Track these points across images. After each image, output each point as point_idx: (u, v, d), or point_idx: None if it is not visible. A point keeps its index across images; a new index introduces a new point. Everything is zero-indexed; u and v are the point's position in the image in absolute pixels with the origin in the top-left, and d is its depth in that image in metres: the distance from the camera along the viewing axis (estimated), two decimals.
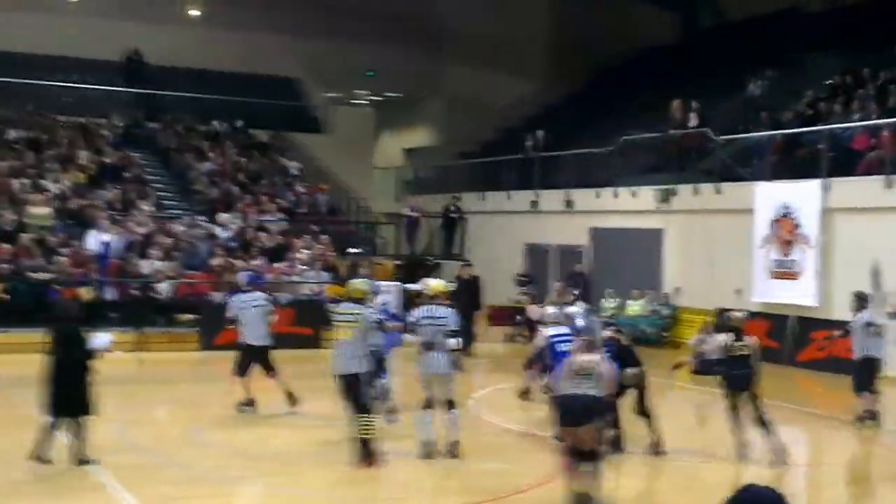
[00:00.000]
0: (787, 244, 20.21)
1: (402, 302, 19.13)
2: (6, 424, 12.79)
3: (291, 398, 13.74)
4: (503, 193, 27.82)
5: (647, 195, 23.36)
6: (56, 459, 10.38)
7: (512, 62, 33.00)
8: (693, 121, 23.35)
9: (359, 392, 10.72)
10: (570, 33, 33.30)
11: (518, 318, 22.01)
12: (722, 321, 12.39)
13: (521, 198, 27.07)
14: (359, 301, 11.11)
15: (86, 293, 19.53)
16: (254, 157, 28.61)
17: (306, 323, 20.16)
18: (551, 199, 26.12)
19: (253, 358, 13.77)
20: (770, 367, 17.63)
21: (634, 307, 22.86)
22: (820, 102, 22.51)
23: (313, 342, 19.66)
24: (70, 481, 10.03)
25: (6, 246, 20.32)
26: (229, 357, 14.30)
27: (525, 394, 15.09)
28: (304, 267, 22.65)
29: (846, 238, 19.29)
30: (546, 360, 12.83)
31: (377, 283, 16.57)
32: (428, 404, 11.20)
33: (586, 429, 9.02)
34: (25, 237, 20.80)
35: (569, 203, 25.54)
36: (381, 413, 12.42)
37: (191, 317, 20.33)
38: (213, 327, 18.05)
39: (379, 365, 12.28)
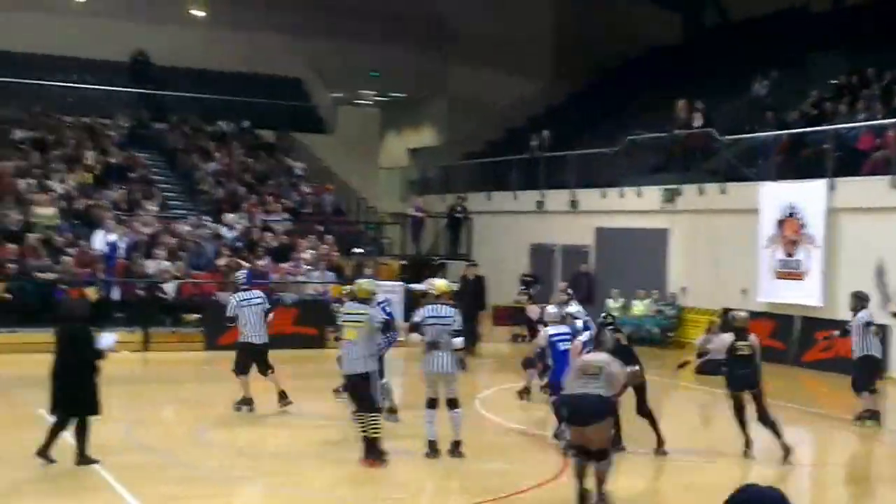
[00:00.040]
0: (792, 244, 20.20)
1: (407, 302, 19.17)
2: (11, 424, 12.81)
3: (284, 398, 13.78)
4: (508, 193, 27.83)
5: (652, 195, 23.35)
6: (59, 459, 10.39)
7: (516, 62, 33.00)
8: (698, 121, 23.34)
9: (367, 391, 10.75)
10: (574, 33, 33.30)
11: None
12: (727, 321, 12.43)
13: (527, 198, 27.08)
14: (365, 301, 11.14)
15: (91, 293, 19.57)
16: (259, 158, 28.65)
17: (310, 323, 20.20)
18: (556, 199, 26.12)
19: (252, 356, 13.80)
20: (775, 367, 17.71)
21: (639, 307, 22.85)
22: (825, 102, 22.49)
23: (317, 342, 19.70)
24: (73, 481, 10.05)
25: (12, 246, 20.38)
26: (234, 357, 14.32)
27: (523, 393, 15.16)
28: (309, 267, 22.68)
29: (851, 238, 19.27)
30: (546, 359, 12.90)
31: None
32: (431, 403, 11.22)
33: (594, 428, 9.06)
34: (31, 237, 20.85)
35: (574, 203, 25.55)
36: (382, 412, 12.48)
37: (196, 317, 20.36)
38: (218, 327, 18.05)
39: (379, 364, 12.32)
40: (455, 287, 14.33)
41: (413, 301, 17.57)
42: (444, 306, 11.39)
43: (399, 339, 13.29)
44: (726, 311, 16.73)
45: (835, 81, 23.45)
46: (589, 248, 25.13)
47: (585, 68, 33.24)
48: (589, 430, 9.08)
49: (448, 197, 29.13)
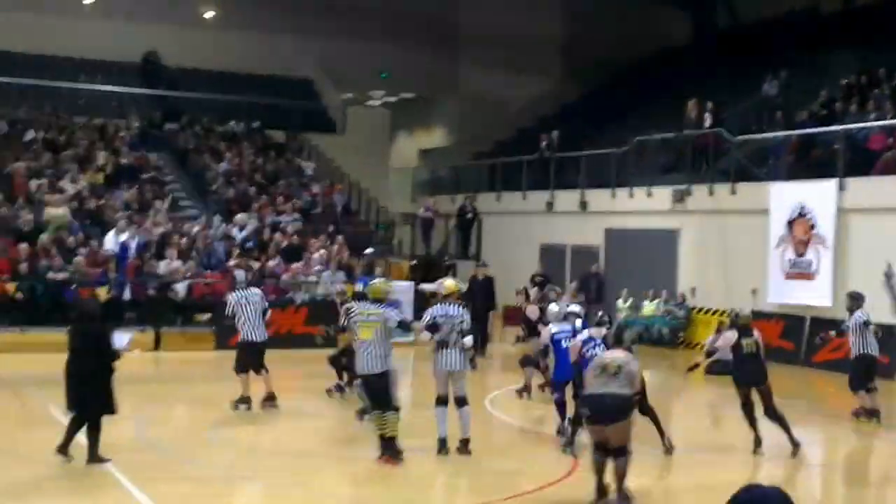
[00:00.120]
0: (802, 244, 20.17)
1: (417, 302, 19.21)
2: (22, 423, 12.91)
3: (271, 399, 13.85)
4: (518, 194, 27.85)
5: (662, 196, 23.34)
6: (73, 458, 10.45)
7: (527, 62, 33.02)
8: (708, 121, 23.33)
9: (383, 390, 10.81)
10: (585, 34, 33.28)
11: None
12: (733, 320, 12.59)
13: (537, 198, 27.09)
14: (379, 301, 11.20)
15: (103, 293, 19.67)
16: (270, 158, 28.72)
17: (321, 323, 20.22)
18: (566, 199, 26.13)
19: (251, 354, 13.86)
20: (786, 367, 17.72)
21: (649, 308, 22.85)
22: (835, 102, 22.46)
23: (329, 342, 19.74)
24: (84, 480, 10.09)
25: (24, 246, 20.47)
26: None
27: (523, 392, 15.25)
28: (320, 267, 22.72)
29: (862, 238, 19.24)
30: (549, 357, 13.00)
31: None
32: (441, 401, 11.28)
33: (615, 427, 9.17)
34: (43, 237, 20.95)
35: (584, 204, 25.55)
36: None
37: (207, 316, 20.43)
38: (229, 327, 18.11)
39: None
40: (464, 287, 14.39)
41: (423, 301, 17.61)
42: (453, 306, 11.46)
43: (410, 339, 13.37)
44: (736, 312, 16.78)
45: (845, 81, 23.41)
46: (599, 248, 25.13)
47: (596, 69, 33.23)
48: (609, 429, 9.18)
49: (458, 197, 29.16)
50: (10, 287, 19.70)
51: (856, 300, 14.17)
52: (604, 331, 11.55)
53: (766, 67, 25.34)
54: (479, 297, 19.79)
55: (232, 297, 14.28)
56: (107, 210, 23.07)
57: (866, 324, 13.87)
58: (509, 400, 15.36)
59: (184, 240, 22.51)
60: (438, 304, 11.58)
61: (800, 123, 22.51)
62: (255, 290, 14.46)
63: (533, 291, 18.87)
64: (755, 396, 11.76)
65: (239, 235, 23.75)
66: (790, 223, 20.36)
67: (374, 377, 10.86)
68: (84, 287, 19.76)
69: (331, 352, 15.23)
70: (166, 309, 20.54)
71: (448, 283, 11.98)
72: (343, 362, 14.72)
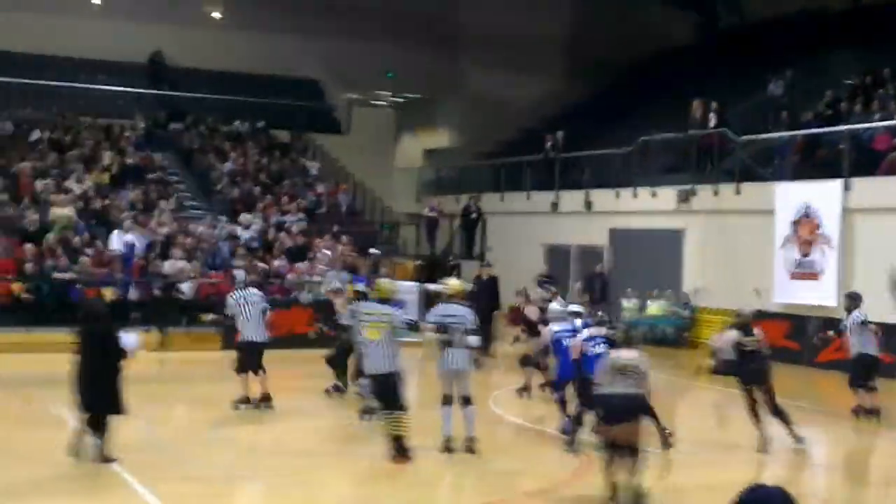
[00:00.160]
0: (807, 244, 20.17)
1: (422, 302, 19.24)
2: (28, 423, 12.95)
3: (267, 399, 13.87)
4: (523, 194, 27.85)
5: (666, 196, 23.34)
6: (78, 458, 10.48)
7: (532, 63, 33.02)
8: (712, 121, 23.33)
9: (393, 390, 10.85)
10: (589, 34, 33.27)
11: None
12: (735, 319, 12.72)
13: (541, 198, 27.10)
14: (386, 301, 11.23)
15: (108, 293, 19.72)
16: (275, 158, 28.77)
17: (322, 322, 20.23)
18: (571, 199, 26.14)
19: (251, 355, 13.88)
20: (791, 368, 17.72)
21: (654, 308, 22.86)
22: (840, 103, 22.45)
23: (322, 340, 19.76)
24: (92, 479, 10.12)
25: (30, 246, 20.53)
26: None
27: (523, 391, 15.31)
28: (325, 267, 22.76)
29: (867, 238, 19.24)
30: (550, 356, 13.09)
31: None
32: (446, 400, 11.31)
33: (630, 426, 9.27)
34: (49, 237, 21.00)
35: (588, 204, 25.56)
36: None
37: (213, 316, 20.45)
38: (235, 327, 18.16)
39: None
40: (469, 287, 14.44)
41: (428, 301, 17.66)
42: (457, 305, 11.50)
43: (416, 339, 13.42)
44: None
45: (850, 81, 23.41)
46: (603, 248, 25.13)
47: (600, 69, 33.23)
48: (623, 428, 9.27)
49: (462, 197, 29.18)
50: (16, 287, 19.76)
51: (853, 300, 14.34)
52: (604, 330, 11.66)
53: (771, 67, 25.34)
54: (484, 297, 19.82)
55: (231, 298, 14.32)
56: (112, 210, 23.13)
57: (864, 323, 14.01)
58: (512, 399, 15.39)
59: (189, 240, 22.56)
60: (443, 304, 11.62)
61: (805, 123, 22.51)
62: (255, 291, 14.50)
63: (536, 291, 18.90)
64: (759, 395, 11.83)
65: (244, 235, 23.80)
66: (795, 223, 20.36)
67: (383, 377, 10.90)
68: (89, 287, 19.82)
69: (326, 352, 15.26)
70: (172, 309, 20.58)
71: (452, 283, 12.03)
72: (337, 362, 14.81)
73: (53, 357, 13.07)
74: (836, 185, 19.64)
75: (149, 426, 12.51)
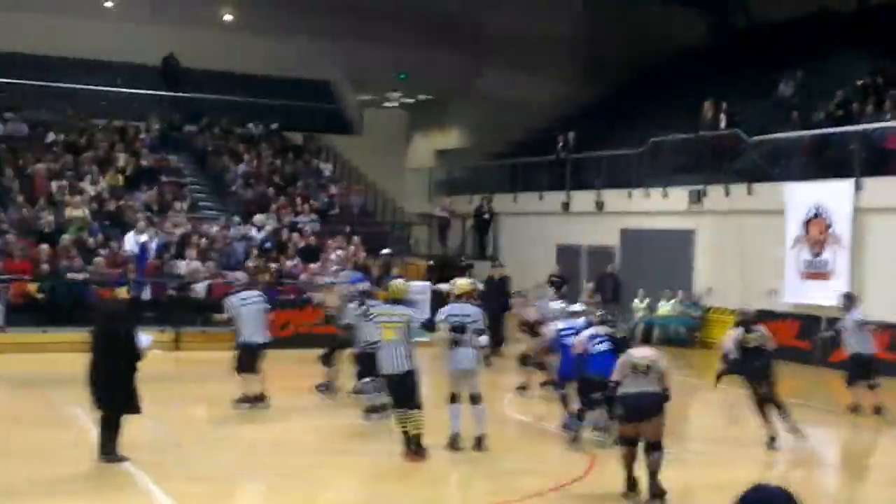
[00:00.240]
0: (818, 244, 20.18)
1: (434, 302, 19.32)
2: (43, 422, 13.04)
3: (263, 399, 13.99)
4: (534, 194, 27.92)
5: (678, 196, 23.38)
6: (90, 457, 10.59)
7: (543, 64, 33.07)
8: (724, 122, 23.35)
9: (410, 389, 10.97)
10: (601, 35, 33.30)
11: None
12: (738, 318, 12.88)
13: (553, 199, 27.16)
14: (400, 302, 11.34)
15: (122, 293, 19.86)
16: (288, 159, 28.90)
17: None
18: (582, 199, 26.19)
19: (251, 355, 14.00)
20: (802, 368, 17.75)
21: (665, 308, 22.90)
22: (851, 103, 22.44)
23: (347, 343, 19.84)
24: (103, 479, 10.20)
25: (45, 247, 20.69)
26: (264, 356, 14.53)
27: (523, 390, 15.44)
28: (337, 267, 22.85)
29: (879, 238, 19.25)
30: (553, 353, 13.22)
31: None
32: (453, 398, 11.41)
33: (649, 424, 9.41)
34: (63, 238, 21.16)
35: (600, 204, 25.60)
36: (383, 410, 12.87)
37: (226, 316, 20.55)
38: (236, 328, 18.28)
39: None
40: (480, 287, 14.54)
41: (440, 301, 17.76)
42: (466, 305, 11.61)
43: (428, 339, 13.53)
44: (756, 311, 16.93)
45: (860, 82, 23.37)
46: (615, 248, 25.18)
47: (612, 70, 33.25)
48: (644, 426, 9.43)
49: (475, 198, 29.26)
50: (32, 287, 19.92)
51: (850, 300, 14.63)
52: (606, 329, 11.81)
53: (782, 68, 25.36)
54: (494, 297, 19.89)
55: (231, 300, 14.45)
56: (127, 211, 23.29)
57: (862, 323, 14.20)
58: (519, 398, 15.47)
59: (203, 240, 22.70)
60: (452, 304, 11.73)
61: (815, 123, 22.50)
62: (254, 292, 14.63)
63: (549, 291, 19.01)
64: (763, 390, 11.98)
65: (257, 236, 23.94)
66: (806, 223, 20.38)
67: (399, 377, 11.01)
68: (104, 287, 19.97)
69: (321, 351, 15.38)
70: (186, 309, 20.71)
71: (461, 283, 12.13)
72: (333, 361, 14.95)
73: (69, 357, 13.20)
74: (847, 184, 19.65)
75: (161, 425, 12.60)
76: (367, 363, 13.28)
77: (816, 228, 20.20)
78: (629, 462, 9.56)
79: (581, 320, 12.82)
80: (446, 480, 10.97)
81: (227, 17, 32.70)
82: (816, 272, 20.16)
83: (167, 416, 13.32)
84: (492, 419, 12.01)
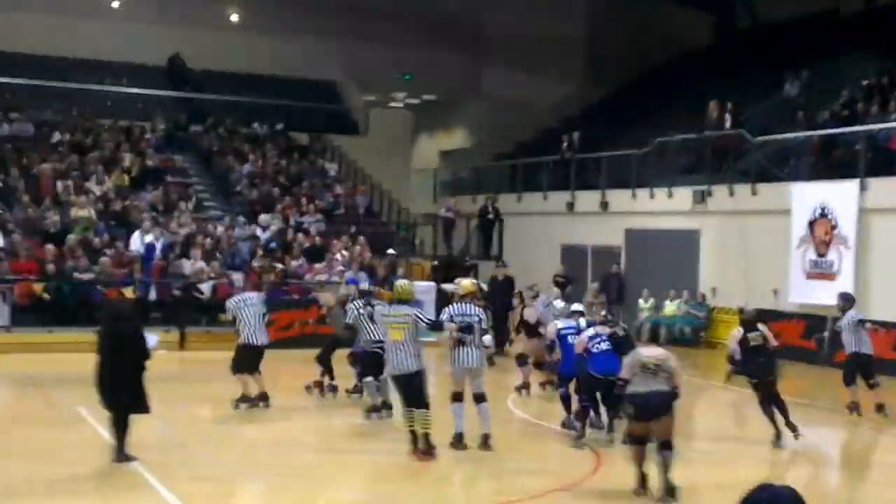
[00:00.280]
0: (823, 245, 20.17)
1: (439, 302, 19.35)
2: (50, 422, 13.07)
3: (265, 398, 14.03)
4: (539, 194, 27.92)
5: (682, 196, 23.38)
6: (97, 457, 10.62)
7: (548, 64, 33.08)
8: (728, 122, 23.34)
9: (418, 389, 11.00)
10: (606, 35, 33.32)
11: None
12: (740, 317, 12.99)
13: (558, 199, 27.16)
14: (406, 302, 11.38)
15: (128, 293, 19.91)
16: (293, 160, 28.95)
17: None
18: (587, 200, 26.19)
19: (250, 356, 14.04)
20: (807, 367, 17.74)
21: (670, 308, 22.90)
22: (856, 103, 22.43)
23: (343, 343, 19.87)
24: (111, 479, 10.21)
25: (51, 247, 20.74)
26: (270, 355, 14.55)
27: (522, 389, 15.47)
28: (342, 268, 22.90)
29: (884, 238, 19.23)
30: (555, 352, 13.28)
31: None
32: (457, 397, 11.45)
33: (660, 422, 9.46)
34: (69, 238, 21.21)
35: (605, 204, 25.61)
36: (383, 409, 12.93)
37: (230, 316, 20.58)
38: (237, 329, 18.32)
39: (379, 361, 12.65)
40: (484, 287, 14.58)
41: (446, 301, 17.79)
42: (470, 305, 11.66)
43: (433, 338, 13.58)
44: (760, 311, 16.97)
45: (866, 82, 23.36)
46: (619, 249, 25.18)
47: (617, 70, 33.26)
48: (654, 424, 9.49)
49: (479, 198, 29.26)
50: (38, 287, 19.97)
51: (848, 300, 14.66)
52: (608, 329, 11.90)
53: (787, 68, 25.33)
54: (499, 297, 19.92)
55: (231, 302, 14.55)
56: (132, 211, 23.34)
57: (861, 323, 14.24)
58: (527, 398, 15.50)
59: (208, 240, 22.74)
60: (456, 304, 11.77)
61: (821, 124, 22.50)
62: (254, 293, 14.76)
63: (554, 292, 19.01)
64: (765, 388, 12.07)
65: (263, 236, 23.98)
66: (811, 223, 20.37)
67: (408, 376, 11.04)
68: (109, 288, 20.02)
69: (317, 351, 15.41)
70: (191, 309, 20.76)
71: (464, 283, 12.17)
72: (330, 362, 14.99)
73: (75, 357, 13.24)
74: (852, 185, 19.63)
75: (168, 425, 12.62)
76: (368, 363, 13.32)
77: (821, 229, 20.19)
78: (639, 460, 9.61)
79: (582, 320, 12.89)
80: (450, 480, 10.98)
81: (233, 18, 32.75)
82: (821, 272, 20.14)
83: (172, 415, 13.33)
84: (496, 419, 12.03)
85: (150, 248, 21.77)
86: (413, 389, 11.03)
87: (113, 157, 26.05)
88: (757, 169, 22.06)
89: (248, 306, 14.20)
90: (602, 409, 12.27)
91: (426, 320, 11.36)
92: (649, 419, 9.50)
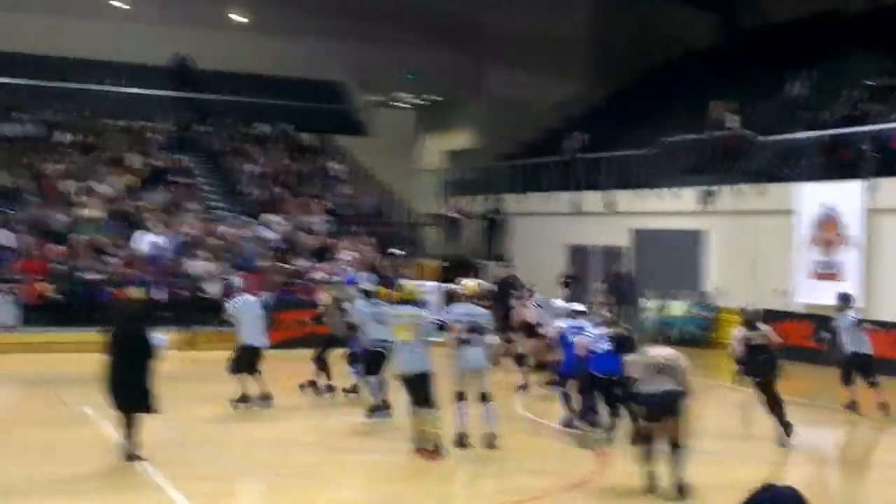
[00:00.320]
0: (829, 245, 20.19)
1: (445, 302, 19.38)
2: (58, 422, 13.15)
3: (268, 398, 14.12)
4: (544, 195, 27.93)
5: (688, 196, 23.39)
6: (106, 456, 10.68)
7: (553, 64, 33.10)
8: (734, 122, 23.35)
9: (426, 389, 11.06)
10: (611, 35, 33.34)
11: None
12: (742, 317, 13.06)
13: (563, 199, 27.18)
14: (413, 302, 11.43)
15: (136, 293, 19.98)
16: (299, 160, 29.01)
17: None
18: (593, 200, 26.21)
19: (250, 357, 14.11)
20: (812, 367, 17.75)
21: (676, 308, 22.92)
22: (861, 103, 22.43)
23: (339, 342, 19.91)
24: (120, 478, 10.28)
25: (59, 247, 20.83)
26: (276, 356, 14.63)
27: (521, 388, 15.58)
28: (348, 268, 22.96)
29: (890, 238, 19.25)
30: (556, 351, 13.35)
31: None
32: (460, 397, 11.50)
33: (670, 423, 9.53)
34: (77, 238, 21.29)
35: (610, 204, 25.62)
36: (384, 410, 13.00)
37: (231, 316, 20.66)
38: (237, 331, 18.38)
39: (381, 361, 12.69)
40: (488, 287, 14.65)
41: (448, 301, 17.86)
42: (474, 305, 11.72)
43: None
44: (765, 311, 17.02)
45: (871, 82, 23.35)
46: (625, 249, 25.20)
47: (622, 70, 33.27)
48: (664, 424, 9.54)
49: (484, 198, 29.28)
50: (46, 287, 20.06)
51: (846, 301, 14.81)
52: (610, 329, 11.96)
53: (792, 68, 25.34)
54: (502, 296, 19.97)
55: (230, 304, 14.62)
56: (140, 211, 23.41)
57: (859, 323, 14.36)
58: (531, 398, 15.54)
59: (215, 240, 22.81)
60: (459, 304, 11.83)
61: (826, 124, 22.50)
62: (252, 296, 14.86)
63: (562, 292, 19.11)
64: (768, 385, 12.13)
65: (269, 236, 24.04)
66: (817, 224, 20.38)
67: (416, 377, 11.09)
68: (118, 288, 20.09)
69: (313, 351, 15.46)
70: (198, 309, 20.82)
71: (468, 284, 12.23)
72: (326, 362, 15.05)
73: (83, 357, 13.29)
74: (857, 185, 19.66)
75: (176, 424, 12.66)
76: (370, 362, 13.37)
77: (827, 229, 20.21)
78: (648, 459, 9.65)
79: (584, 319, 12.92)
80: (452, 479, 11.01)
81: (237, 18, 32.81)
82: (827, 273, 20.16)
83: (180, 415, 13.38)
84: (500, 418, 12.07)
85: (156, 248, 21.82)
86: (421, 389, 11.09)
87: (120, 157, 26.13)
88: (763, 169, 22.06)
89: (246, 308, 14.27)
90: (602, 409, 12.31)
91: (433, 320, 11.42)
92: (658, 418, 9.55)
